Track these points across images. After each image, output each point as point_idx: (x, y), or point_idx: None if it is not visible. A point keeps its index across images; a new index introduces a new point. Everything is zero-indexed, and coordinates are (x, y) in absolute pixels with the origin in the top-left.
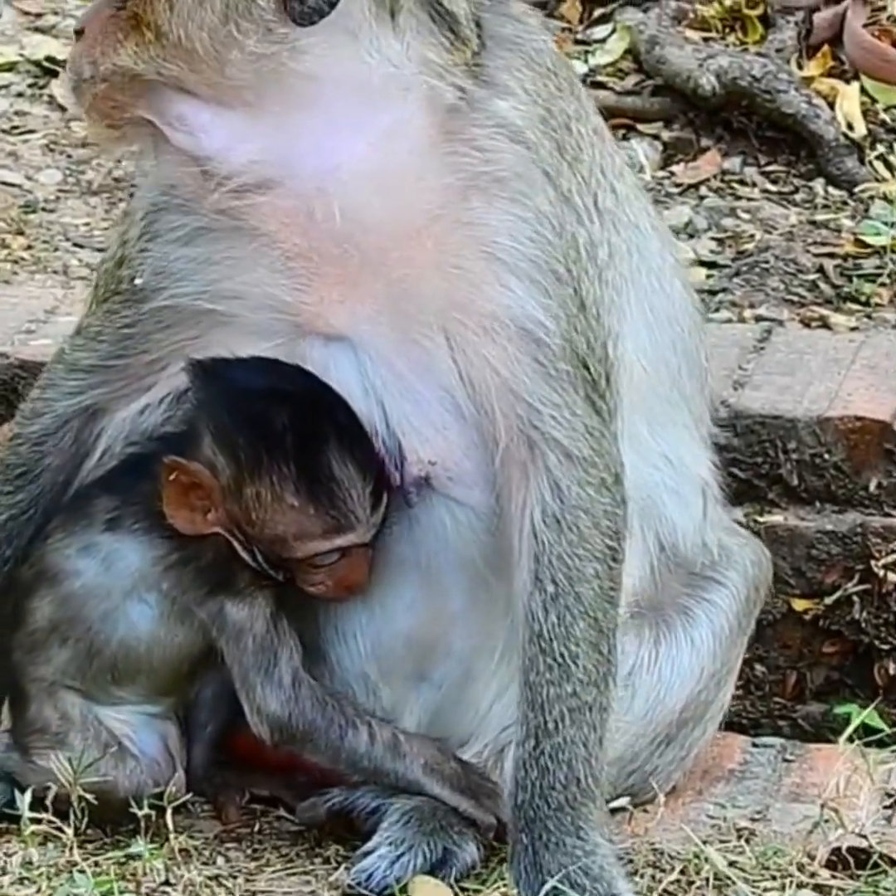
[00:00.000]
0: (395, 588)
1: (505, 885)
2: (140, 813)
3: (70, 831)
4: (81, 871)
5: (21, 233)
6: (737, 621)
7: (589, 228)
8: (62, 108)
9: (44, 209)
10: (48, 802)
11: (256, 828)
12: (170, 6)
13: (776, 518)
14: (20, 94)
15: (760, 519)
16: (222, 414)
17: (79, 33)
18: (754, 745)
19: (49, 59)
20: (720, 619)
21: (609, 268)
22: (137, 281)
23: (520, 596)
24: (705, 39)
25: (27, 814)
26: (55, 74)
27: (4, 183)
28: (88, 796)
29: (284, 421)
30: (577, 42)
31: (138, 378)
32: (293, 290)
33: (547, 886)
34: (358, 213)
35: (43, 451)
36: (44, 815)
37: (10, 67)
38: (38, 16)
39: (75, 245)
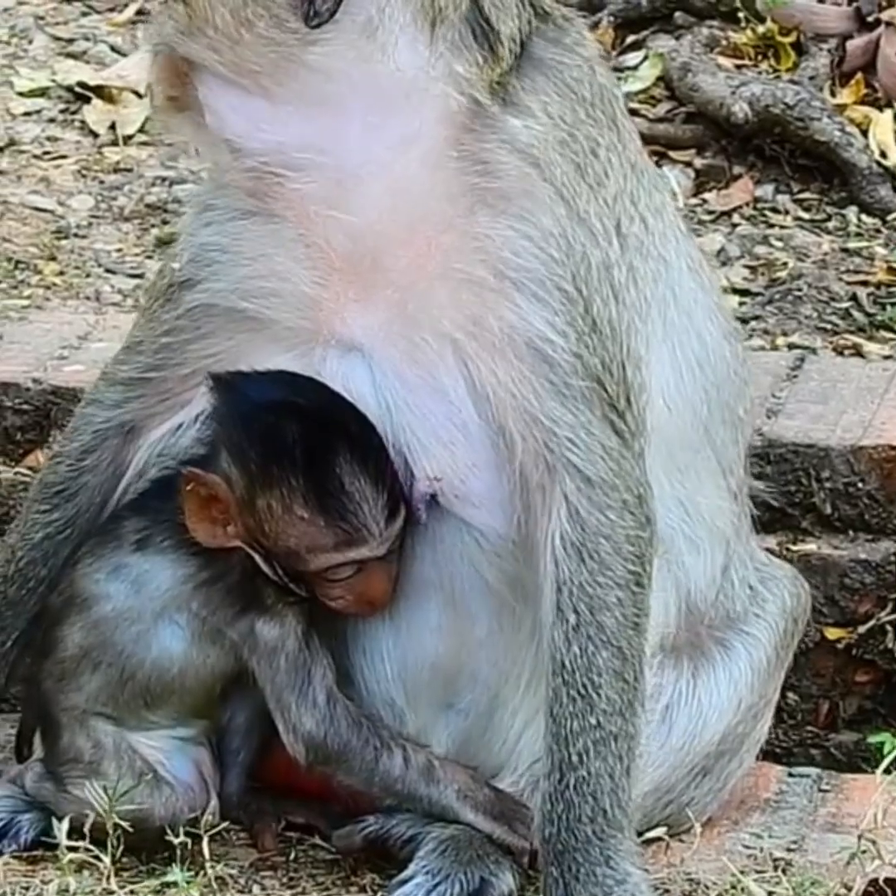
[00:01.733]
0: (421, 611)
1: None
2: (176, 841)
3: (107, 859)
4: None
5: (53, 258)
6: (775, 654)
7: (605, 250)
8: (94, 134)
9: (76, 235)
10: (86, 831)
11: (292, 856)
12: None
13: (809, 547)
14: (52, 120)
15: (793, 547)
16: (236, 427)
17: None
18: (790, 775)
19: (81, 84)
20: (759, 652)
21: (628, 290)
22: (175, 265)
23: (544, 626)
24: (738, 67)
25: (64, 842)
26: (87, 100)
27: (36, 208)
28: (124, 824)
29: (295, 434)
30: (613, 70)
31: (174, 393)
32: (314, 283)
33: None
34: (371, 214)
35: (81, 469)
36: (80, 844)
37: (42, 93)
38: (70, 41)
39: (107, 271)
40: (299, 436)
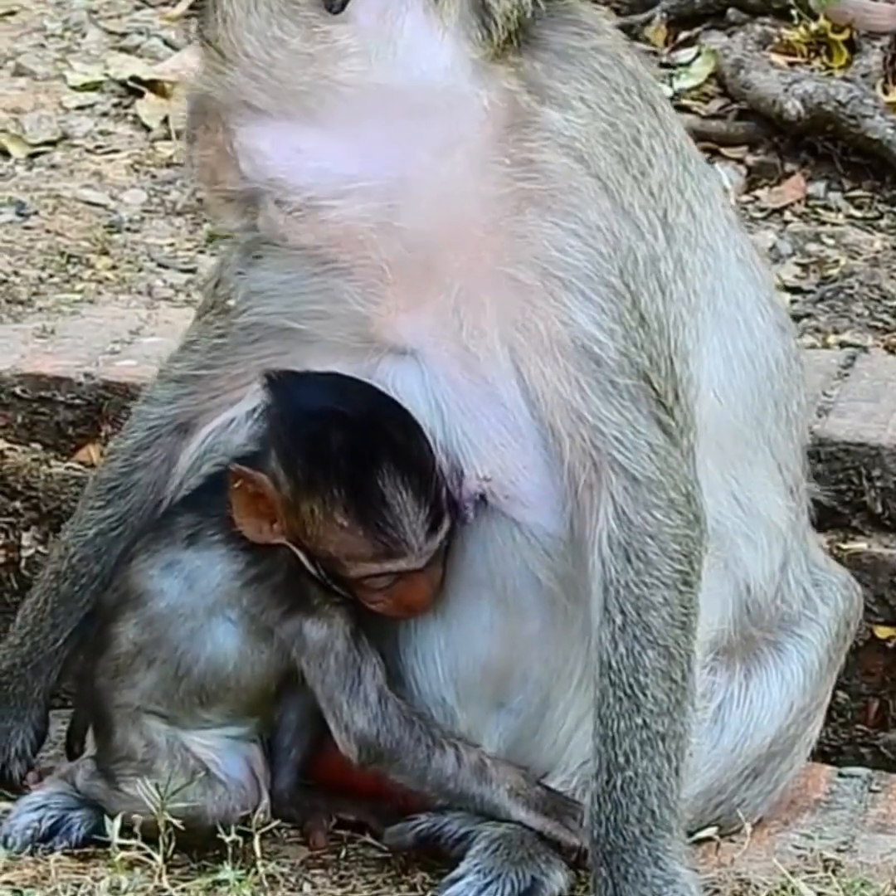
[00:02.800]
0: (473, 609)
1: None
2: (227, 839)
3: (159, 857)
4: None
5: (106, 253)
6: (827, 656)
7: (651, 243)
8: (147, 128)
9: (128, 229)
10: (136, 829)
11: (343, 854)
12: (223, 17)
13: (860, 545)
14: (105, 114)
15: (844, 546)
16: (285, 429)
17: None
18: (840, 775)
19: (134, 78)
20: (811, 654)
21: (676, 283)
22: (231, 302)
23: (592, 626)
24: (790, 64)
25: (116, 840)
26: (140, 94)
27: (89, 202)
28: (176, 823)
29: (341, 443)
30: (663, 65)
31: (225, 391)
32: (364, 300)
33: None
34: (421, 222)
35: (134, 466)
36: (132, 842)
37: (95, 87)
38: (123, 35)
39: (160, 265)
40: (345, 445)
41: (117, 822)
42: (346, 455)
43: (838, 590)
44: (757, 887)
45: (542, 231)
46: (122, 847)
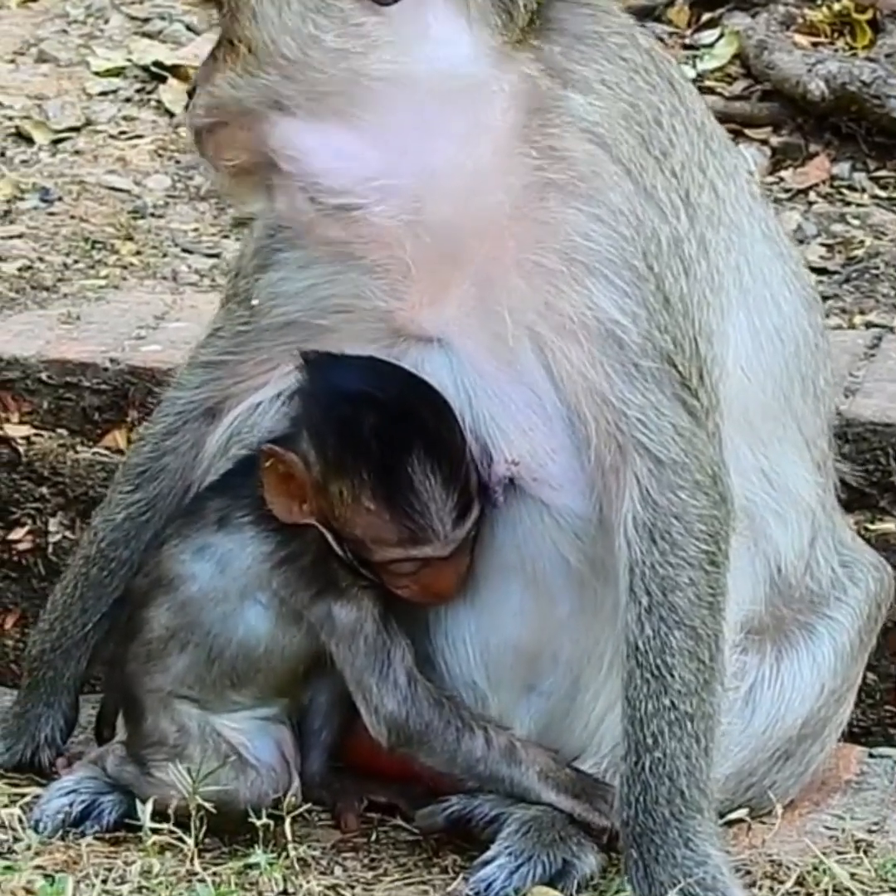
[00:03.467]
0: (503, 592)
1: None
2: (259, 823)
3: (190, 841)
4: (201, 881)
5: (130, 238)
6: (859, 639)
7: (674, 224)
8: (170, 114)
9: (152, 215)
10: (170, 813)
11: (374, 837)
12: (254, 16)
13: (887, 525)
14: (128, 100)
15: (871, 526)
16: (318, 410)
17: (190, 93)
18: (871, 756)
19: (157, 64)
20: (842, 636)
21: (699, 263)
22: (254, 302)
23: (619, 608)
24: (814, 44)
25: (148, 824)
26: (163, 79)
27: (113, 188)
28: (208, 806)
29: (373, 426)
30: (686, 47)
31: (251, 376)
32: (388, 296)
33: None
34: (448, 215)
35: (163, 451)
36: (164, 826)
37: (119, 72)
38: (146, 21)
39: (184, 251)
40: (376, 428)
41: (149, 806)
42: (378, 438)
43: (869, 571)
44: (788, 868)
45: (566, 216)
46: (154, 831)
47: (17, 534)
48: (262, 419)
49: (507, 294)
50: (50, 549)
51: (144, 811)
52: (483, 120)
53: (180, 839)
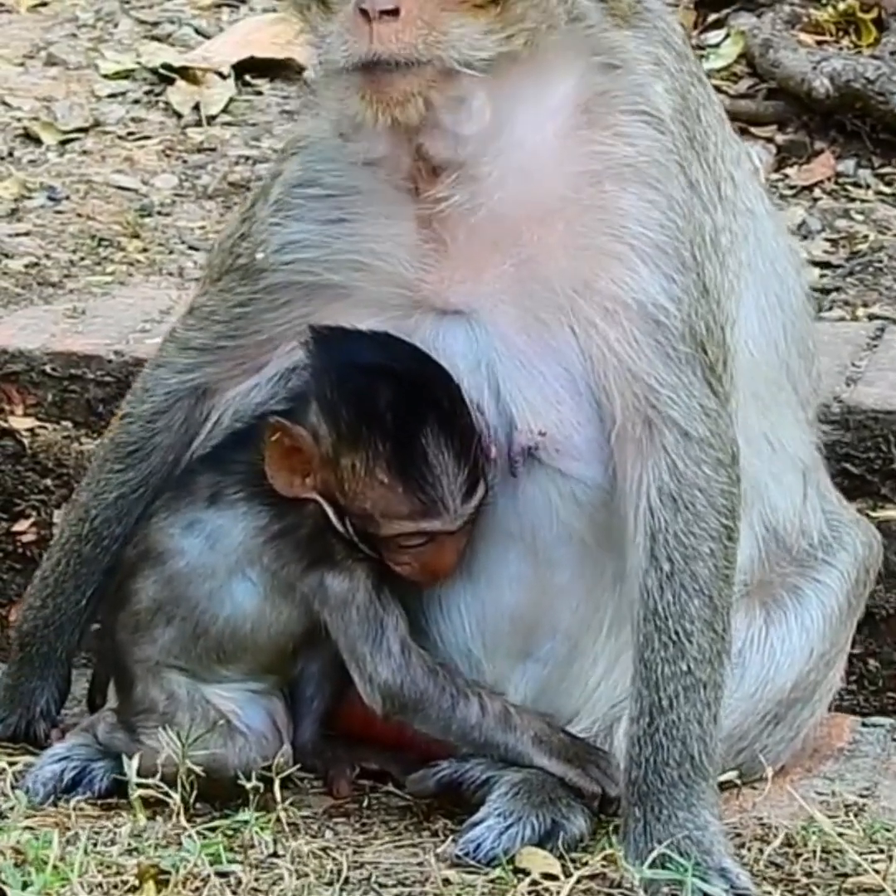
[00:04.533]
0: (501, 561)
1: (610, 857)
2: (249, 785)
3: (176, 796)
4: (189, 836)
5: (137, 236)
6: (847, 602)
7: (713, 216)
8: (178, 115)
9: (159, 213)
10: (158, 778)
11: (365, 803)
12: None
13: (890, 513)
14: (136, 101)
15: (874, 514)
16: (331, 383)
17: (389, 12)
18: (864, 725)
19: (166, 66)
20: (831, 600)
21: (730, 254)
22: (259, 255)
23: (634, 573)
24: (819, 43)
25: (135, 779)
26: (171, 81)
27: (120, 187)
28: (197, 770)
29: (388, 399)
30: (692, 47)
31: (250, 358)
32: (417, 268)
33: (655, 852)
34: (502, 197)
35: (154, 429)
36: (151, 781)
37: (127, 75)
38: (155, 24)
39: (190, 248)
40: (392, 401)
41: (135, 760)
42: (393, 411)
43: (857, 536)
44: (777, 829)
45: (622, 202)
46: (140, 786)
47: (21, 525)
48: (257, 397)
49: (549, 273)
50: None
51: (130, 766)
52: (546, 104)
53: (168, 794)
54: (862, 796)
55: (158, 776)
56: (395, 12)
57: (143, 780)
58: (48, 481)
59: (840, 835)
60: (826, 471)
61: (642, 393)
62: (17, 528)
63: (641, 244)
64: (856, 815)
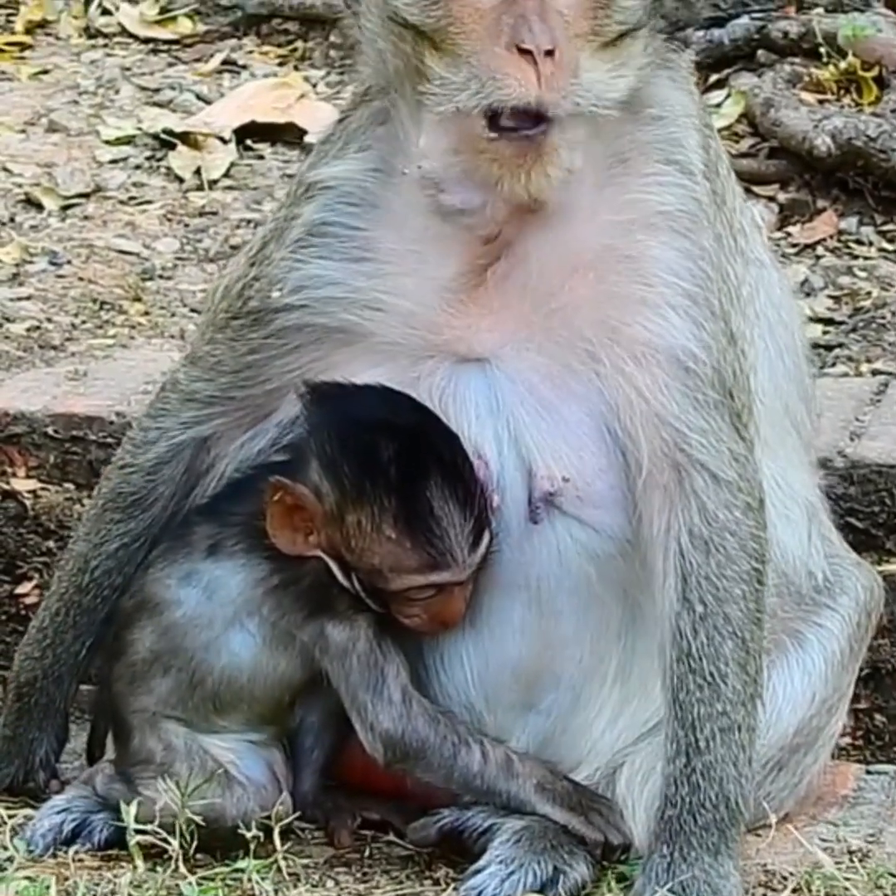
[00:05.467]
0: (504, 612)
1: None
2: (249, 835)
3: (175, 843)
4: (189, 884)
5: (138, 299)
6: (849, 647)
7: (734, 267)
8: (179, 179)
9: (161, 276)
10: (157, 826)
11: (367, 853)
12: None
13: (894, 567)
14: (138, 166)
15: (879, 568)
16: (331, 440)
17: (548, 53)
18: (868, 772)
19: (167, 131)
20: (832, 644)
21: (749, 304)
22: (275, 294)
23: (665, 616)
24: (820, 101)
25: (133, 826)
26: (172, 146)
27: (122, 251)
28: (196, 819)
29: (391, 453)
30: None
31: (258, 407)
32: (447, 312)
33: (668, 886)
34: (534, 245)
35: (156, 480)
36: (150, 827)
37: (129, 140)
38: (156, 91)
39: (192, 311)
40: (395, 455)
41: (133, 807)
42: (396, 464)
43: (858, 579)
44: (784, 877)
45: (654, 252)
46: (139, 832)
47: (24, 587)
48: (259, 444)
49: (578, 321)
50: None
51: (128, 812)
52: (594, 151)
53: (166, 840)
54: (867, 842)
55: (157, 823)
56: (552, 53)
57: (142, 827)
58: (51, 543)
59: (845, 880)
60: (827, 512)
61: (671, 438)
62: (19, 590)
63: (673, 292)
64: (861, 861)
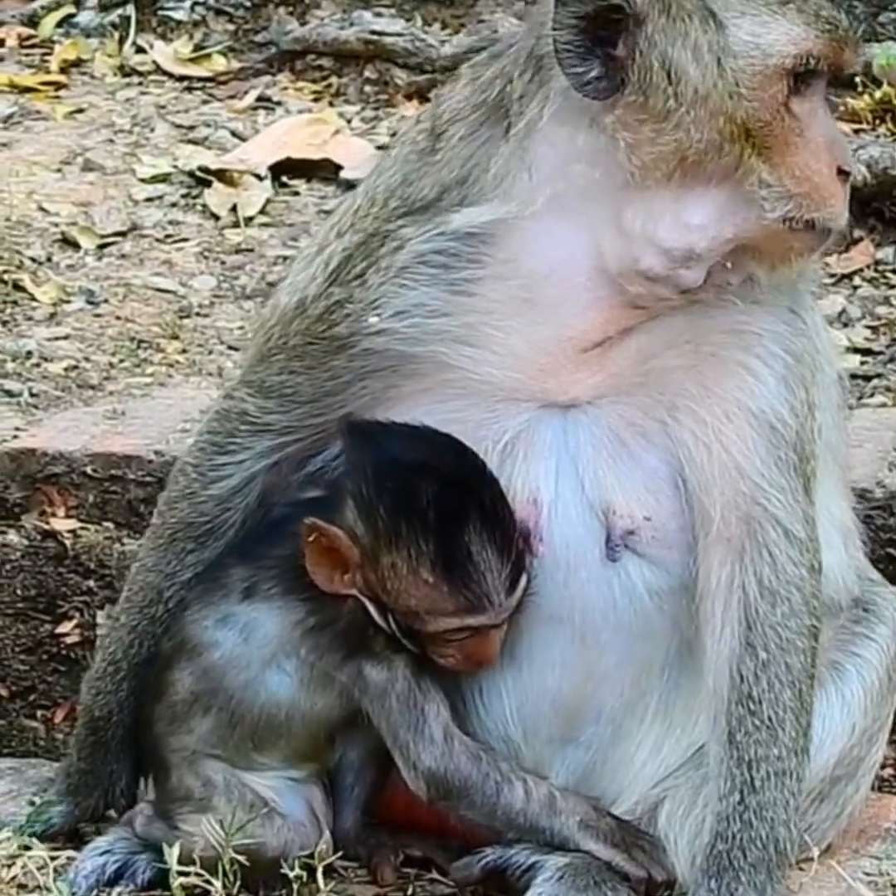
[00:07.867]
0: (545, 645)
1: None
2: (292, 874)
3: (218, 884)
4: None
5: (176, 337)
6: (888, 676)
7: (811, 337)
8: (215, 217)
9: (198, 314)
10: (196, 858)
11: (410, 891)
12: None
13: None
14: (174, 204)
15: None
16: (368, 481)
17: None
18: None
19: (202, 168)
20: (871, 674)
21: (817, 371)
22: (372, 319)
23: (725, 659)
24: (856, 131)
25: (176, 867)
26: (208, 184)
27: (159, 289)
28: (239, 858)
29: (429, 496)
30: None
31: (331, 434)
32: (557, 360)
33: None
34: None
35: (231, 508)
36: (192, 868)
37: (164, 178)
38: (191, 128)
39: (230, 348)
40: (434, 498)
41: (176, 849)
42: (434, 507)
43: (893, 607)
44: None
45: (765, 325)
46: (182, 874)
47: (65, 627)
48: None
49: (669, 377)
50: (98, 642)
51: (171, 854)
52: None
53: (208, 881)
54: None
55: (197, 864)
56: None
57: (184, 868)
58: (91, 583)
59: None
60: (861, 535)
61: (749, 491)
62: (60, 629)
63: (773, 361)
64: None
